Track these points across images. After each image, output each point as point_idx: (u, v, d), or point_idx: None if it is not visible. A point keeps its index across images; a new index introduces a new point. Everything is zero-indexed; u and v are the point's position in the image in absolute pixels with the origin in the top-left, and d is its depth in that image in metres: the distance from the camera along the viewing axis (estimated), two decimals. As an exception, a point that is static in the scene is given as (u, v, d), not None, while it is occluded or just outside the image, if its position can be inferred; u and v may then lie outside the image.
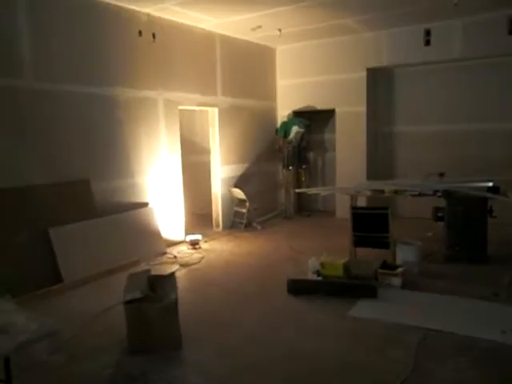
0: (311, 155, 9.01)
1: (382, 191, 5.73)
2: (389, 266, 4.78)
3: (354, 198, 5.71)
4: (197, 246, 6.41)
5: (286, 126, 8.27)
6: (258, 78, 8.24)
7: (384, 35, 7.57)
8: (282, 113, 8.62)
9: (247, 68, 7.90)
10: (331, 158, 8.63)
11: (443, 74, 7.63)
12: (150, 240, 6.01)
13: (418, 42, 7.35)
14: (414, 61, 7.50)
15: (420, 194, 5.50)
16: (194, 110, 8.03)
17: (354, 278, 4.65)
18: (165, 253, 6.09)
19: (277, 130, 8.56)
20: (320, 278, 4.77)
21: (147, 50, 6.01)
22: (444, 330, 3.61)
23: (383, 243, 5.04)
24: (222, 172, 7.42)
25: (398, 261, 5.03)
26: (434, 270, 5.12)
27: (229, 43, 7.44)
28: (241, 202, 7.55)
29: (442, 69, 7.61)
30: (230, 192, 7.58)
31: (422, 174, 6.57)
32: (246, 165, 7.90)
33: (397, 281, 4.59)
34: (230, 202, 7.61)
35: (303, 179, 8.57)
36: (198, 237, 6.49)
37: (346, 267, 4.64)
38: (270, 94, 8.56)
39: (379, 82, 8.20)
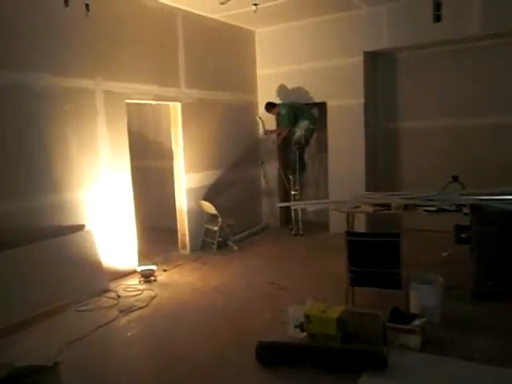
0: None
1: (388, 206, 4.33)
2: (402, 316, 3.39)
3: (350, 216, 4.32)
4: (152, 278, 5.01)
5: (290, 114, 6.76)
6: (234, 67, 6.83)
7: (384, 11, 6.16)
8: (264, 108, 7.18)
9: (219, 54, 6.49)
10: (322, 161, 7.23)
11: (457, 57, 6.22)
12: (86, 274, 4.59)
13: (425, 18, 5.88)
14: (420, 41, 6.07)
15: (439, 210, 4.11)
16: (160, 106, 6.59)
17: (352, 337, 3.25)
18: (107, 290, 4.68)
19: (271, 107, 6.92)
20: (304, 335, 3.39)
21: (78, 25, 4.58)
22: None
23: (392, 282, 3.64)
24: (187, 181, 6.01)
25: (413, 306, 3.65)
26: (461, 316, 3.74)
27: (194, 22, 6.03)
28: (212, 217, 6.15)
29: (455, 51, 6.21)
30: (200, 205, 6.17)
31: (434, 180, 5.24)
32: (218, 172, 6.48)
33: (414, 340, 3.21)
34: (200, 218, 6.20)
35: (296, 188, 7.05)
36: (152, 267, 5.08)
37: (341, 322, 3.24)
38: (248, 86, 7.15)
39: (379, 68, 6.81)
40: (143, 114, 7.53)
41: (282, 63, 7.04)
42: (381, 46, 6.33)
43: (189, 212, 6.04)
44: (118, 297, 4.53)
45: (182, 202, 6.03)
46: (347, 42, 6.46)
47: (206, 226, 6.22)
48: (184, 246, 6.12)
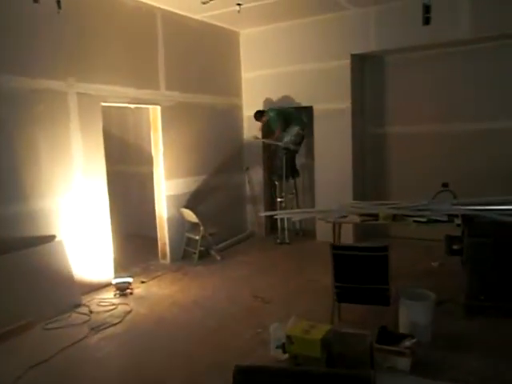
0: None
1: (376, 216, 4.12)
2: (390, 336, 3.17)
3: (337, 226, 4.10)
4: (128, 291, 4.74)
5: (279, 117, 6.53)
6: (217, 68, 6.58)
7: (372, 13, 5.98)
8: (248, 112, 6.95)
9: (202, 55, 6.24)
10: (310, 168, 7.00)
11: (448, 60, 6.05)
12: (56, 288, 4.30)
13: (414, 20, 5.71)
14: (409, 44, 5.87)
15: (429, 221, 3.91)
16: (140, 109, 6.32)
17: (337, 359, 3.02)
18: (79, 305, 4.40)
19: (260, 115, 6.65)
20: (286, 356, 3.15)
21: (49, 23, 4.32)
22: None
23: (380, 298, 3.42)
24: (167, 188, 5.75)
25: (403, 323, 3.44)
26: (453, 333, 3.55)
27: (175, 22, 5.78)
28: (194, 226, 5.89)
29: (445, 54, 6.04)
30: (180, 213, 5.91)
31: (423, 186, 5.07)
32: (200, 178, 6.23)
33: (404, 362, 2.99)
34: (181, 227, 5.93)
35: (282, 195, 6.82)
36: (128, 279, 4.81)
37: (326, 343, 3.00)
38: (232, 88, 6.91)
39: (367, 71, 6.63)
40: (123, 117, 7.26)
41: (267, 65, 6.81)
42: (368, 49, 6.14)
43: (169, 220, 5.78)
44: (91, 312, 4.25)
45: (162, 210, 5.77)
46: (334, 44, 6.26)
47: (188, 234, 5.96)
48: (164, 256, 5.85)
